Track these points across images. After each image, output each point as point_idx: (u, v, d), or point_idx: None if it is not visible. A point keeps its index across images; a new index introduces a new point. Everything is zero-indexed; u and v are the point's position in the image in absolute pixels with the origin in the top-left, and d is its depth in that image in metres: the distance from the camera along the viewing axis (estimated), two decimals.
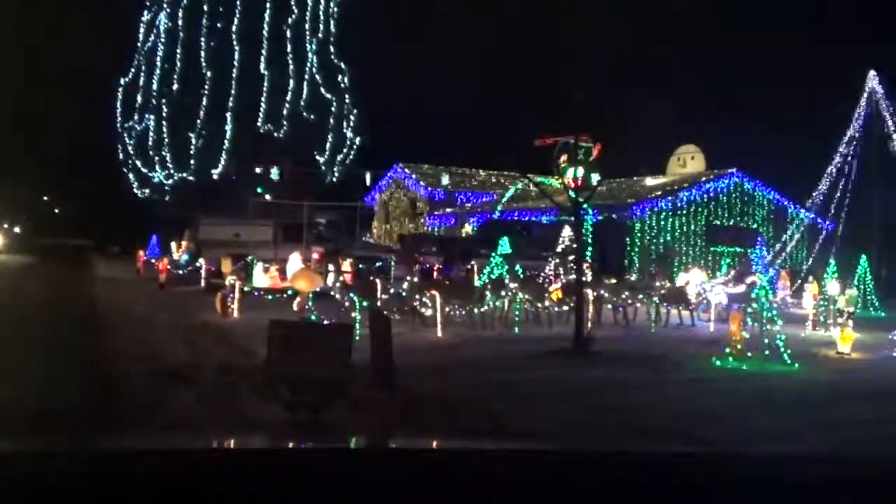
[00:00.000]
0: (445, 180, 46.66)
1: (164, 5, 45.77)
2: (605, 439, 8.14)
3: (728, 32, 56.90)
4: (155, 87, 45.80)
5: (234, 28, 43.72)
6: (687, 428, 8.90)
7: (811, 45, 51.90)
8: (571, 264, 20.98)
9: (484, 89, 56.24)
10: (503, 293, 18.81)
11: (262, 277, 22.09)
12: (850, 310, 19.94)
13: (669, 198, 35.77)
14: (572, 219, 18.30)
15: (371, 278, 19.53)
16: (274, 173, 41.14)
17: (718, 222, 36.38)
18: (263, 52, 43.87)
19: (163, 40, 45.61)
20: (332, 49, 46.21)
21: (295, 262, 21.24)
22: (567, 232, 27.37)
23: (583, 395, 10.83)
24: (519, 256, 24.58)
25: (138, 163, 47.30)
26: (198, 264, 26.92)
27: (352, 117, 46.30)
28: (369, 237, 43.22)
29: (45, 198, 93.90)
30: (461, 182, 47.60)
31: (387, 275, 23.22)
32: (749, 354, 13.97)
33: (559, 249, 27.26)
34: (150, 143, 45.80)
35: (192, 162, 44.34)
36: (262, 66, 43.85)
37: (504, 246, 25.68)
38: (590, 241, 20.47)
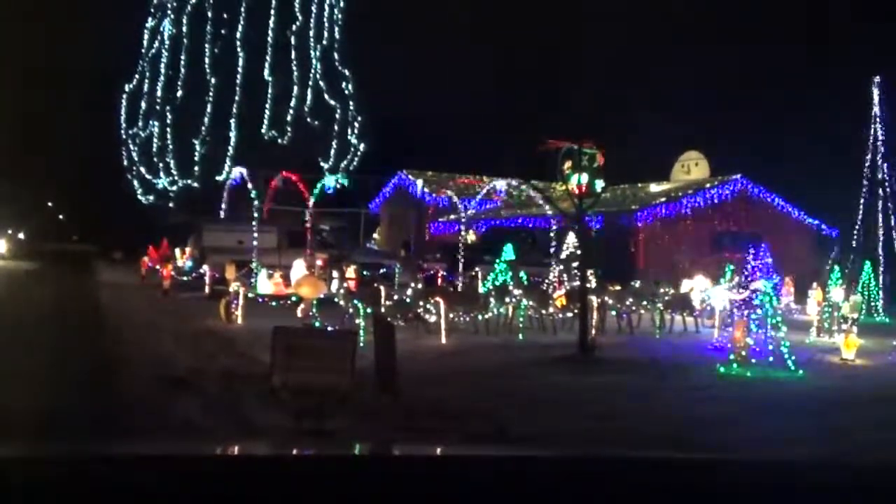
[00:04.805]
0: (449, 187, 46.66)
1: (169, 12, 45.91)
2: (608, 445, 8.13)
3: (731, 37, 56.90)
4: (159, 93, 45.92)
5: (238, 34, 43.83)
6: (691, 434, 8.89)
7: (815, 49, 51.88)
8: (575, 271, 20.97)
9: (487, 96, 56.31)
10: (507, 300, 18.80)
11: (266, 284, 22.10)
12: (854, 316, 19.89)
13: (673, 204, 35.76)
14: (576, 225, 18.30)
15: (375, 285, 19.53)
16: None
17: (723, 229, 36.35)
18: (268, 58, 43.97)
19: (167, 46, 45.74)
20: (336, 56, 46.31)
21: (299, 268, 21.25)
22: (571, 238, 27.38)
23: (587, 401, 10.82)
24: (523, 263, 24.59)
25: (142, 169, 47.42)
26: (202, 271, 26.94)
27: (356, 124, 46.40)
28: (373, 244, 43.24)
29: (49, 203, 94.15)
30: (465, 189, 47.58)
31: (391, 281, 23.22)
32: (753, 361, 13.95)
33: (563, 256, 27.26)
34: (155, 149, 45.90)
35: (196, 168, 44.41)
36: (266, 72, 43.94)
37: (508, 252, 25.69)
38: (594, 247, 20.46)
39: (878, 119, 30.66)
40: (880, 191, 30.32)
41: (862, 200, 30.76)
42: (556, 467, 2.39)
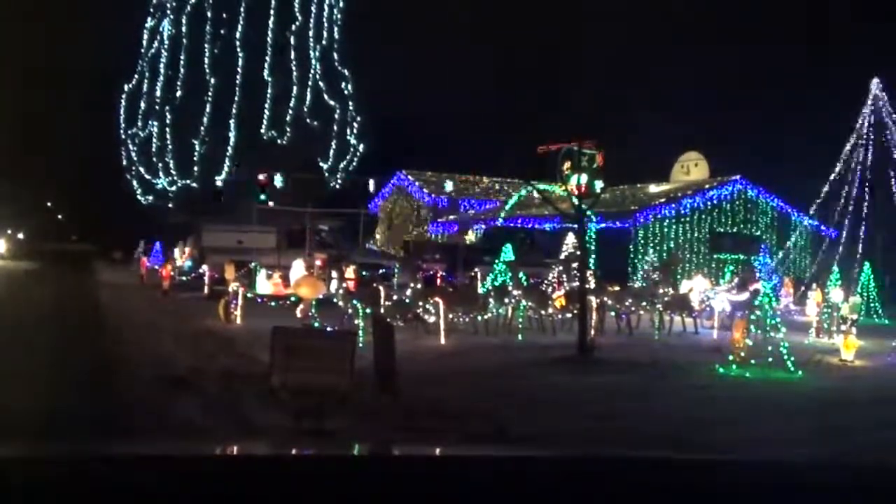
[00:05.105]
0: (449, 187, 46.66)
1: (168, 12, 45.88)
2: (608, 445, 8.13)
3: (731, 37, 56.93)
4: (159, 93, 45.88)
5: (237, 35, 43.80)
6: (689, 434, 8.89)
7: (814, 50, 51.91)
8: (575, 271, 20.96)
9: (487, 96, 56.31)
10: (506, 300, 18.79)
11: (266, 284, 22.10)
12: (853, 317, 19.90)
13: (673, 205, 35.75)
14: (575, 226, 18.29)
15: (374, 285, 19.52)
16: (278, 180, 41.00)
17: (722, 230, 36.37)
18: (267, 58, 43.94)
19: (166, 47, 45.70)
20: (335, 56, 46.28)
21: (298, 268, 21.26)
22: (570, 239, 27.37)
23: (586, 402, 10.82)
24: (522, 263, 24.57)
25: (142, 169, 47.39)
26: (201, 271, 26.94)
27: (355, 124, 46.38)
28: (372, 244, 43.25)
29: (49, 203, 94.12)
30: (464, 189, 47.63)
31: (390, 282, 23.22)
32: (752, 362, 13.95)
33: (562, 256, 27.24)
34: (154, 149, 45.87)
35: (195, 168, 44.39)
36: (265, 72, 43.91)
37: (507, 253, 25.67)
38: (593, 248, 20.44)
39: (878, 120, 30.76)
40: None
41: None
42: (556, 467, 2.39)
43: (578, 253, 18.45)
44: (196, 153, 44.09)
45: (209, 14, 44.03)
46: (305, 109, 44.79)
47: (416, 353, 13.99)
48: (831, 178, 32.52)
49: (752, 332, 14.66)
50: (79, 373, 11.45)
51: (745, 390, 12.48)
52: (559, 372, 13.26)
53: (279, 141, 44.04)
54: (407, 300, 17.78)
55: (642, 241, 34.21)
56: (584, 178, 16.50)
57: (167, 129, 44.94)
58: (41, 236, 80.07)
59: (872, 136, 31.78)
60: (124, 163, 49.17)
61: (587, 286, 16.88)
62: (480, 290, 19.93)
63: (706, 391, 12.07)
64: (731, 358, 14.08)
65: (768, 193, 37.68)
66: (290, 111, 44.25)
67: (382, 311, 16.29)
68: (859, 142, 31.76)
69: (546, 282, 22.62)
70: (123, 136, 48.86)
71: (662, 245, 34.55)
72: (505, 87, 58.11)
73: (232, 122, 43.27)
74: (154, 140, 45.78)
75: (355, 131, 46.38)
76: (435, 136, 52.42)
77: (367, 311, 16.02)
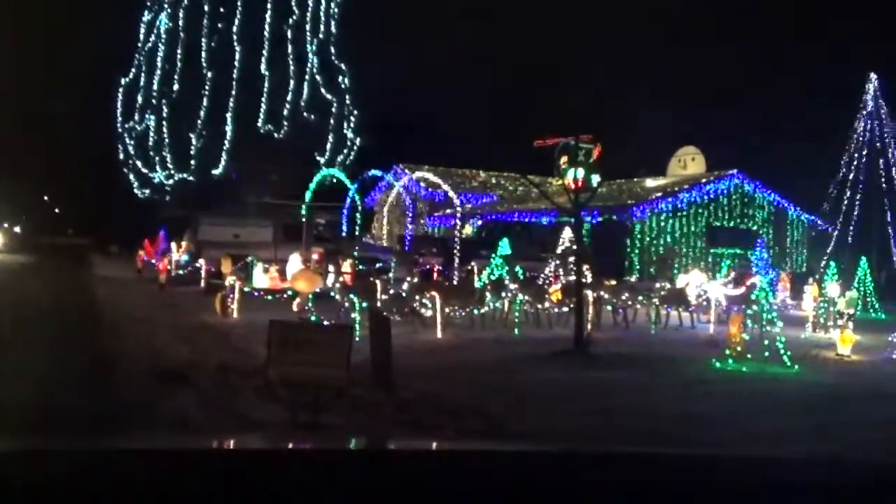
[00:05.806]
0: (445, 181, 46.61)
1: (165, 5, 45.76)
2: (603, 441, 8.14)
3: (730, 33, 56.94)
4: (155, 87, 45.76)
5: (234, 28, 43.68)
6: (686, 430, 8.90)
7: (813, 45, 51.93)
8: (571, 265, 20.97)
9: (485, 90, 56.29)
10: (503, 294, 18.79)
11: (262, 278, 22.08)
12: (850, 312, 19.94)
13: (669, 199, 35.77)
14: (572, 220, 18.30)
15: (371, 279, 19.52)
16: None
17: (719, 224, 36.41)
18: (264, 52, 43.82)
19: (163, 40, 45.58)
20: (332, 49, 46.17)
21: (295, 262, 21.25)
22: (567, 233, 27.39)
23: (582, 396, 10.83)
24: (519, 257, 24.57)
25: (138, 163, 47.27)
26: (197, 265, 26.91)
27: (352, 118, 46.26)
28: (369, 238, 43.20)
29: (46, 197, 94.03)
30: (461, 183, 47.58)
31: (387, 275, 23.22)
32: (749, 356, 13.97)
33: (559, 250, 27.27)
34: (151, 143, 45.75)
35: (192, 162, 44.27)
36: (262, 66, 43.79)
37: (504, 247, 25.69)
38: (590, 242, 20.38)
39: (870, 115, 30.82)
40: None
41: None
42: (552, 463, 2.39)
43: (575, 247, 18.46)
44: (193, 147, 43.95)
45: (206, 8, 43.89)
46: (302, 103, 44.66)
47: (412, 347, 14.00)
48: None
49: (749, 326, 14.67)
50: (75, 367, 11.44)
51: (742, 385, 12.49)
52: (555, 367, 13.27)
53: (276, 135, 43.92)
54: (404, 294, 17.77)
55: (639, 236, 34.23)
56: (581, 172, 16.45)
57: (164, 123, 44.79)
58: (38, 230, 79.94)
59: (870, 133, 31.80)
60: (121, 157, 49.03)
61: (584, 280, 16.89)
62: (477, 284, 19.95)
63: (703, 386, 12.08)
64: (727, 352, 14.10)
65: (765, 188, 37.73)
66: (288, 105, 44.13)
67: (379, 304, 16.28)
68: (858, 137, 31.81)
69: (542, 276, 22.64)
70: (120, 131, 48.72)
71: (659, 239, 34.58)
72: (503, 81, 58.09)
73: (229, 115, 43.14)
74: (151, 134, 45.64)
75: (352, 125, 46.27)
76: (432, 130, 52.42)
77: (364, 304, 16.01)
